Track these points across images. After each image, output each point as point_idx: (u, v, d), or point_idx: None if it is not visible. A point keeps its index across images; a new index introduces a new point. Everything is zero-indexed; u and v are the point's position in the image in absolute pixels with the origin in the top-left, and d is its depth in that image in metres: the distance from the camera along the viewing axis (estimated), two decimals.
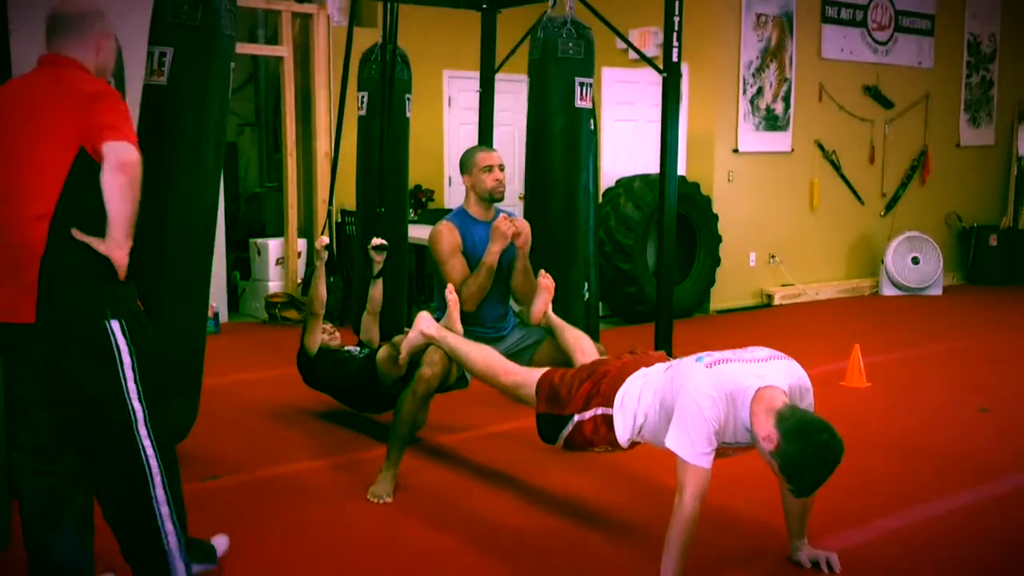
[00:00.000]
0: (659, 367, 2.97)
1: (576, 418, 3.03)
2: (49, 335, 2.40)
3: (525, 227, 3.73)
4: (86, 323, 2.42)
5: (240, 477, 3.78)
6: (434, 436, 4.30)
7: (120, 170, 2.30)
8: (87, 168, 2.36)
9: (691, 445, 2.63)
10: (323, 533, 3.24)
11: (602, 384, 3.01)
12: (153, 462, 2.51)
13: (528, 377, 3.26)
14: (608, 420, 2.96)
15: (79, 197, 2.38)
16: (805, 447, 2.52)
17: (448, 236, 3.79)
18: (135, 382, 2.46)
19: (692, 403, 2.65)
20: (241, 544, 3.16)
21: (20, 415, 2.63)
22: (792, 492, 2.68)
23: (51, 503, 2.56)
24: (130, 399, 2.46)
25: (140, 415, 2.48)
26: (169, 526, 2.55)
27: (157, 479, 2.52)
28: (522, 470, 3.87)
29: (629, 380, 2.97)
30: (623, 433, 2.94)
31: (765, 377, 2.68)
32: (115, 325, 2.43)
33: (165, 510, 2.54)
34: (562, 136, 4.68)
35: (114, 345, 2.43)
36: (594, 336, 4.66)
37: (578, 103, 4.65)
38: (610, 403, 2.96)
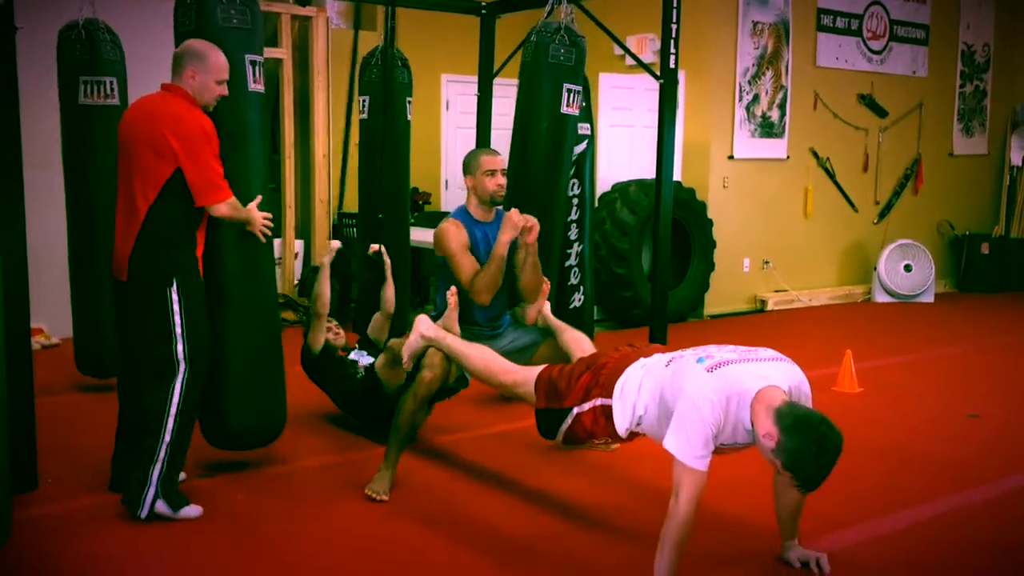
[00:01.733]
0: (659, 358, 2.99)
1: (575, 410, 3.07)
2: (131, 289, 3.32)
3: (536, 223, 3.77)
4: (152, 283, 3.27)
5: (236, 474, 3.81)
6: (432, 436, 4.34)
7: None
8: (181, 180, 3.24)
9: (689, 448, 2.67)
10: (319, 530, 3.28)
11: (601, 375, 3.04)
12: (175, 400, 3.27)
13: (527, 375, 3.30)
14: (607, 411, 3.00)
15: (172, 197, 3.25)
16: (805, 440, 2.57)
17: (456, 232, 3.82)
18: (182, 326, 3.25)
19: (692, 407, 2.69)
20: (237, 540, 3.20)
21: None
22: (799, 487, 2.69)
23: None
24: (175, 339, 3.25)
25: (179, 347, 3.26)
26: (162, 453, 3.25)
27: (171, 422, 3.27)
28: (518, 471, 3.91)
29: (629, 370, 3.00)
30: (622, 423, 2.97)
31: (767, 377, 2.72)
32: (174, 284, 3.25)
33: (168, 438, 3.26)
34: (546, 140, 4.68)
35: (168, 300, 3.25)
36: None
37: (564, 109, 4.67)
38: (609, 393, 2.99)
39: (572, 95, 4.68)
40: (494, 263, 3.72)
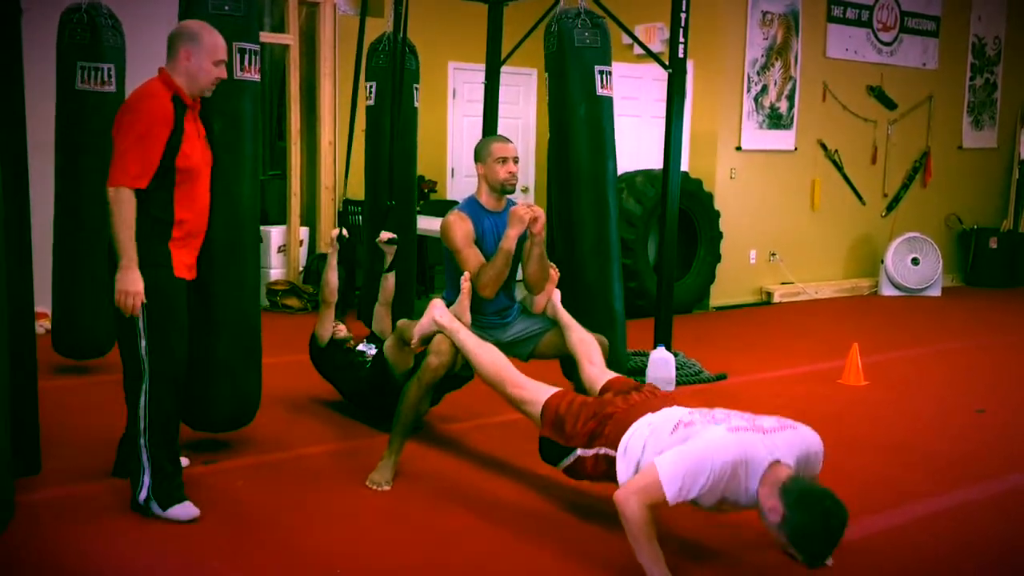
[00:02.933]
0: (665, 418, 2.95)
1: (579, 452, 3.07)
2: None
3: (541, 213, 3.74)
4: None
5: (239, 462, 3.80)
6: (435, 424, 4.33)
7: None
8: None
9: (677, 475, 2.66)
10: (320, 518, 3.27)
11: (607, 425, 3.03)
12: (142, 405, 3.15)
13: (535, 395, 3.26)
14: (610, 460, 3.00)
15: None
16: (809, 515, 2.57)
17: (461, 225, 3.79)
18: (144, 321, 3.11)
19: (705, 453, 2.68)
20: (237, 527, 3.19)
21: None
22: (804, 563, 2.69)
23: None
24: (138, 335, 3.12)
25: (142, 343, 3.12)
26: (144, 454, 3.18)
27: (142, 425, 3.17)
28: (522, 459, 3.89)
29: (634, 427, 2.97)
30: (624, 477, 2.95)
31: (774, 450, 2.72)
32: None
33: (143, 440, 3.17)
34: (586, 125, 4.62)
35: None
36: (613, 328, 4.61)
37: (599, 91, 4.62)
38: (614, 446, 2.98)
39: (604, 76, 4.63)
40: (501, 257, 3.70)
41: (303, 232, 7.53)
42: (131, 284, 3.04)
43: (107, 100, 4.69)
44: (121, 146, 3.02)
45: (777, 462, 2.68)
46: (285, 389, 4.82)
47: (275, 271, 7.38)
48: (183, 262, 3.21)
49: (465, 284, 3.64)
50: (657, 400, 3.10)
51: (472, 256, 3.76)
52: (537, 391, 3.26)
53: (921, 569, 3.04)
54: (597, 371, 3.47)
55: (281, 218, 7.63)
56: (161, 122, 3.06)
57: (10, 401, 3.12)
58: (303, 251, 7.52)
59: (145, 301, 3.07)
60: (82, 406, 4.52)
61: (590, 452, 3.05)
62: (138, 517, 3.21)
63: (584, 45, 4.59)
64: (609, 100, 4.68)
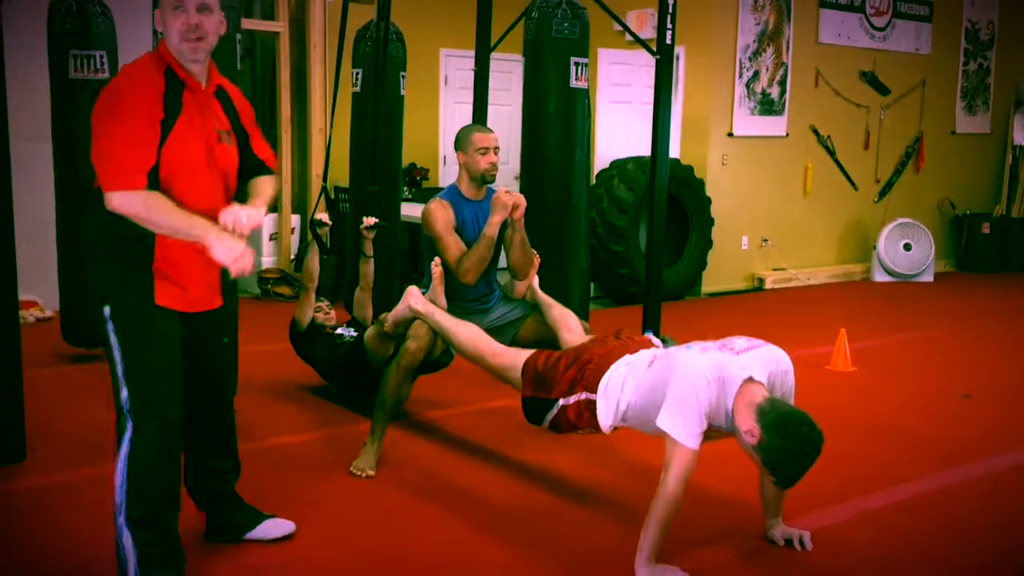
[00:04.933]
0: (643, 356, 3.00)
1: (561, 402, 3.07)
2: None
3: (523, 200, 3.76)
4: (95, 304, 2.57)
5: None
6: (419, 411, 4.34)
7: None
8: None
9: (682, 425, 2.67)
10: (304, 505, 3.28)
11: (586, 370, 3.04)
12: (121, 463, 2.51)
13: (514, 360, 3.28)
14: (591, 405, 3.00)
15: None
16: (786, 440, 2.58)
17: (442, 213, 3.80)
18: (122, 365, 2.49)
19: (687, 384, 2.69)
20: None
21: None
22: (776, 484, 2.73)
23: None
24: (117, 382, 2.50)
25: (123, 393, 2.50)
26: (121, 519, 2.51)
27: (120, 484, 2.51)
28: (506, 446, 3.91)
29: (613, 367, 3.00)
30: (605, 419, 2.98)
31: (748, 368, 2.73)
32: (106, 311, 2.51)
33: (119, 496, 2.51)
34: (557, 116, 4.67)
35: (104, 330, 2.52)
36: (583, 316, 4.69)
37: (573, 83, 4.65)
38: (594, 389, 2.99)
39: (579, 68, 4.66)
40: (483, 244, 3.71)
41: (294, 220, 7.53)
42: (230, 247, 2.38)
43: (101, 86, 4.68)
44: (98, 134, 2.40)
45: (750, 379, 2.70)
46: (272, 376, 4.83)
47: (266, 259, 7.38)
48: (169, 290, 2.52)
49: (436, 269, 3.65)
50: (635, 343, 3.11)
51: (452, 243, 3.76)
52: (516, 355, 3.29)
53: (901, 550, 3.06)
54: (575, 337, 3.50)
55: (273, 206, 7.62)
56: (150, 101, 2.42)
57: None
58: (294, 239, 7.52)
59: (119, 339, 2.47)
60: (86, 394, 4.53)
61: (571, 399, 3.04)
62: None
63: (561, 35, 4.61)
64: (583, 92, 4.73)
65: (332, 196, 7.21)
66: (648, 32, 7.55)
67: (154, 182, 2.41)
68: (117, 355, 2.47)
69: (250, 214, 2.47)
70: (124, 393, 2.48)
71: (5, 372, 3.37)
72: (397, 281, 5.92)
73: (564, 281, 4.67)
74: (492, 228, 3.70)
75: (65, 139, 4.81)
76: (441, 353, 3.76)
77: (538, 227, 4.59)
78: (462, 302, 3.85)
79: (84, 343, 5.01)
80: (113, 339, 2.47)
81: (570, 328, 3.60)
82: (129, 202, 2.36)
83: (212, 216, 2.45)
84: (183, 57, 2.49)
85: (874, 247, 8.82)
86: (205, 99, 2.56)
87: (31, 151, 5.29)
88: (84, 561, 2.83)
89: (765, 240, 8.39)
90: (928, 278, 8.82)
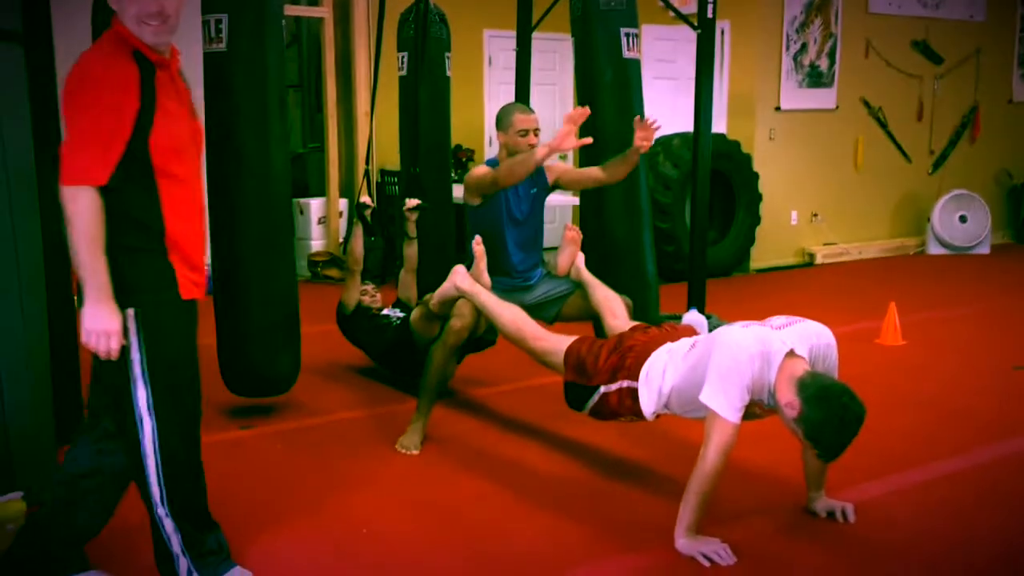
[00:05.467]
0: (684, 343, 3.01)
1: (602, 389, 3.10)
2: None
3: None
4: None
5: (274, 427, 3.92)
6: (464, 389, 4.40)
7: None
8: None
9: (724, 398, 2.68)
10: (352, 480, 3.36)
11: (628, 358, 3.06)
12: (151, 462, 2.40)
13: (556, 345, 3.30)
14: (633, 393, 3.02)
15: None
16: (827, 411, 2.59)
17: (483, 168, 3.87)
18: (142, 365, 2.35)
19: (730, 357, 2.70)
20: (270, 491, 3.29)
21: None
22: (819, 457, 2.72)
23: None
24: (131, 377, 2.36)
25: (140, 396, 2.36)
26: (162, 511, 2.43)
27: (152, 474, 2.41)
28: (549, 422, 3.95)
29: (654, 355, 3.01)
30: (648, 406, 3.00)
31: (787, 343, 2.74)
32: (131, 315, 2.33)
33: (162, 510, 2.43)
34: (612, 89, 4.62)
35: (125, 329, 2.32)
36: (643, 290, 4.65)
37: (626, 54, 4.60)
38: (635, 377, 3.01)
39: (631, 39, 4.62)
40: (529, 159, 3.57)
41: (342, 203, 7.62)
42: (101, 321, 2.24)
43: None
44: (73, 129, 2.22)
45: (792, 352, 2.70)
46: (323, 357, 4.92)
47: (316, 242, 7.49)
48: (189, 276, 2.41)
49: (478, 248, 3.69)
50: (677, 332, 3.14)
51: (483, 170, 3.82)
52: (559, 340, 3.30)
53: (949, 524, 3.04)
54: (620, 323, 3.50)
55: (321, 190, 7.73)
56: (121, 89, 2.24)
57: (51, 369, 3.23)
58: (342, 222, 7.62)
59: (144, 339, 2.33)
60: None
61: (613, 387, 3.06)
62: None
63: (609, 8, 4.58)
64: (636, 63, 4.67)
65: (380, 180, 7.30)
66: (692, 7, 7.47)
67: (145, 182, 2.31)
68: (137, 355, 2.33)
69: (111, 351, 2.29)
70: (143, 393, 2.35)
71: (62, 351, 3.48)
72: (450, 262, 5.98)
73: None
74: (542, 152, 3.52)
75: None
76: (486, 330, 3.79)
77: (600, 207, 4.60)
78: (506, 277, 3.88)
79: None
80: (136, 340, 2.33)
81: (615, 314, 3.60)
82: (74, 200, 2.20)
83: (198, 203, 2.44)
84: (141, 36, 2.30)
85: (928, 220, 8.67)
86: (175, 75, 2.42)
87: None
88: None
89: (815, 215, 8.29)
90: (984, 250, 8.65)
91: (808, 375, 2.66)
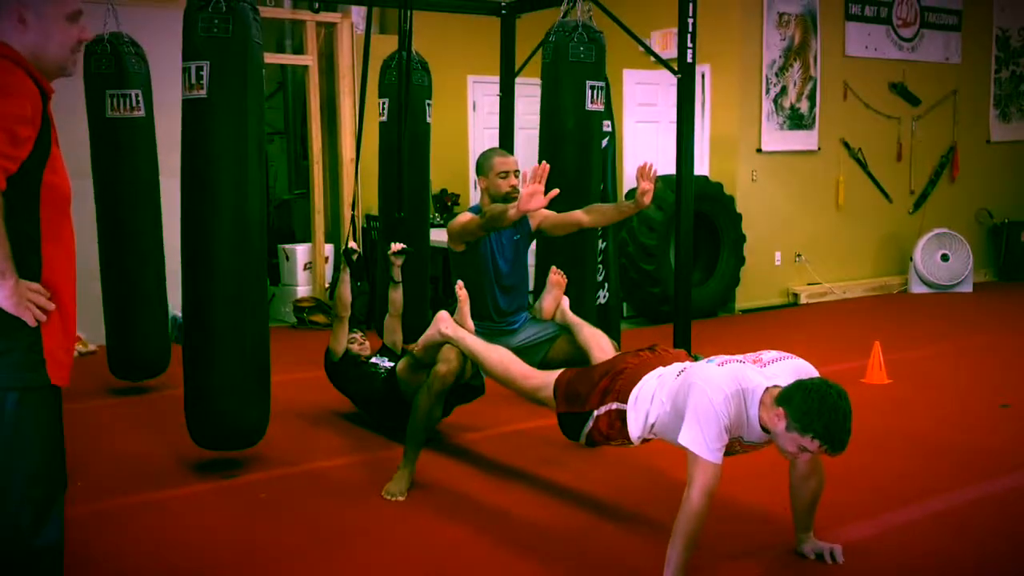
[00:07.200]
0: (675, 368, 3.02)
1: (595, 413, 3.10)
2: None
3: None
4: None
5: (260, 474, 3.88)
6: (452, 434, 4.38)
7: None
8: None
9: (703, 440, 2.68)
10: (337, 528, 3.33)
11: (618, 380, 3.07)
12: None
13: (545, 379, 3.31)
14: (622, 415, 3.03)
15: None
16: (809, 393, 2.59)
17: (466, 216, 3.91)
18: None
19: (705, 399, 2.70)
20: (256, 538, 3.26)
21: None
22: (827, 451, 2.64)
23: None
24: None
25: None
26: None
27: None
28: (536, 466, 3.93)
29: (645, 379, 3.02)
30: (634, 430, 3.00)
31: (773, 378, 2.75)
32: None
33: None
34: (573, 139, 4.73)
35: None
36: (614, 338, 4.71)
37: (589, 106, 4.71)
38: (625, 399, 3.02)
39: (595, 92, 4.72)
40: (503, 214, 3.61)
41: (328, 249, 7.63)
42: (23, 291, 2.06)
43: (137, 124, 4.90)
44: None
45: (775, 387, 2.70)
46: (307, 404, 4.90)
47: (301, 288, 7.48)
48: (58, 357, 2.19)
49: (461, 292, 3.70)
50: (669, 356, 3.14)
51: (466, 217, 3.85)
52: (547, 376, 3.32)
53: (939, 564, 3.03)
54: (607, 356, 3.50)
55: (307, 236, 7.74)
56: (30, 96, 2.07)
57: None
58: (328, 268, 7.62)
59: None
60: (118, 427, 4.62)
61: (603, 409, 3.07)
62: (158, 532, 3.28)
63: (578, 60, 4.68)
64: (599, 115, 4.79)
65: (367, 225, 7.32)
66: (673, 51, 7.57)
67: (32, 204, 2.10)
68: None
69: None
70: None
71: None
72: (428, 306, 5.98)
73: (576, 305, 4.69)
74: (514, 211, 3.53)
75: (104, 176, 4.96)
76: (472, 376, 3.78)
77: (554, 249, 4.64)
78: (490, 322, 3.89)
79: (131, 376, 5.15)
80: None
81: (602, 348, 3.61)
82: None
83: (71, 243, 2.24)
84: (56, 60, 2.18)
85: (911, 259, 8.74)
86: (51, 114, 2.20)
87: (73, 188, 5.43)
88: None
89: (799, 255, 8.34)
90: (967, 288, 8.71)
91: (783, 388, 2.68)
